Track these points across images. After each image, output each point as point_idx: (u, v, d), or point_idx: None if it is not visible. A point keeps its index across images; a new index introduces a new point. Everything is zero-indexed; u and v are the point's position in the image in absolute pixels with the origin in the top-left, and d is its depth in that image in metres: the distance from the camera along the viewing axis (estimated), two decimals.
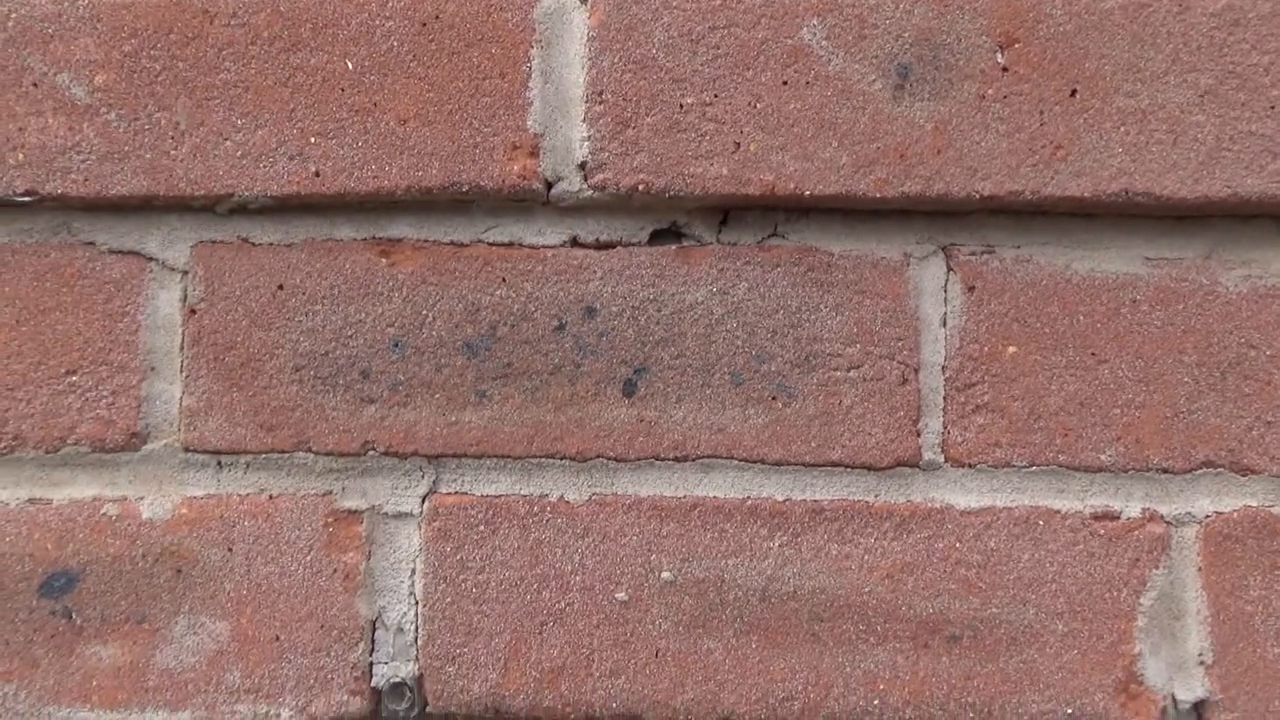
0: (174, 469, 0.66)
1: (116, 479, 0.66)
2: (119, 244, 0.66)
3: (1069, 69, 0.63)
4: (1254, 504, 0.63)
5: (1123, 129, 0.63)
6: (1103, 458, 0.64)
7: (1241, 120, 0.62)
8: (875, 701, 0.63)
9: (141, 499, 0.65)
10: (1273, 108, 0.62)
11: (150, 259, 0.66)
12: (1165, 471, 0.64)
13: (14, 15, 0.66)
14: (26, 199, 0.65)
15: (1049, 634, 0.63)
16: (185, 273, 0.66)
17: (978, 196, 0.63)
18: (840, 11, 0.64)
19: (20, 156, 0.65)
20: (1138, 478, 0.64)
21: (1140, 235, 0.65)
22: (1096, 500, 0.64)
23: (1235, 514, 0.63)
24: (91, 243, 0.66)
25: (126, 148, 0.65)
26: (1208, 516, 0.63)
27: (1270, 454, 0.63)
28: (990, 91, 0.63)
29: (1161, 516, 0.64)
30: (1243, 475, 0.63)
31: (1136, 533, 0.63)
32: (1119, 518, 0.64)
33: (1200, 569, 0.63)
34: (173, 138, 0.65)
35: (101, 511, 0.65)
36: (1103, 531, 0.64)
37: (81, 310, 0.66)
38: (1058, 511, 0.64)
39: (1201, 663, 0.63)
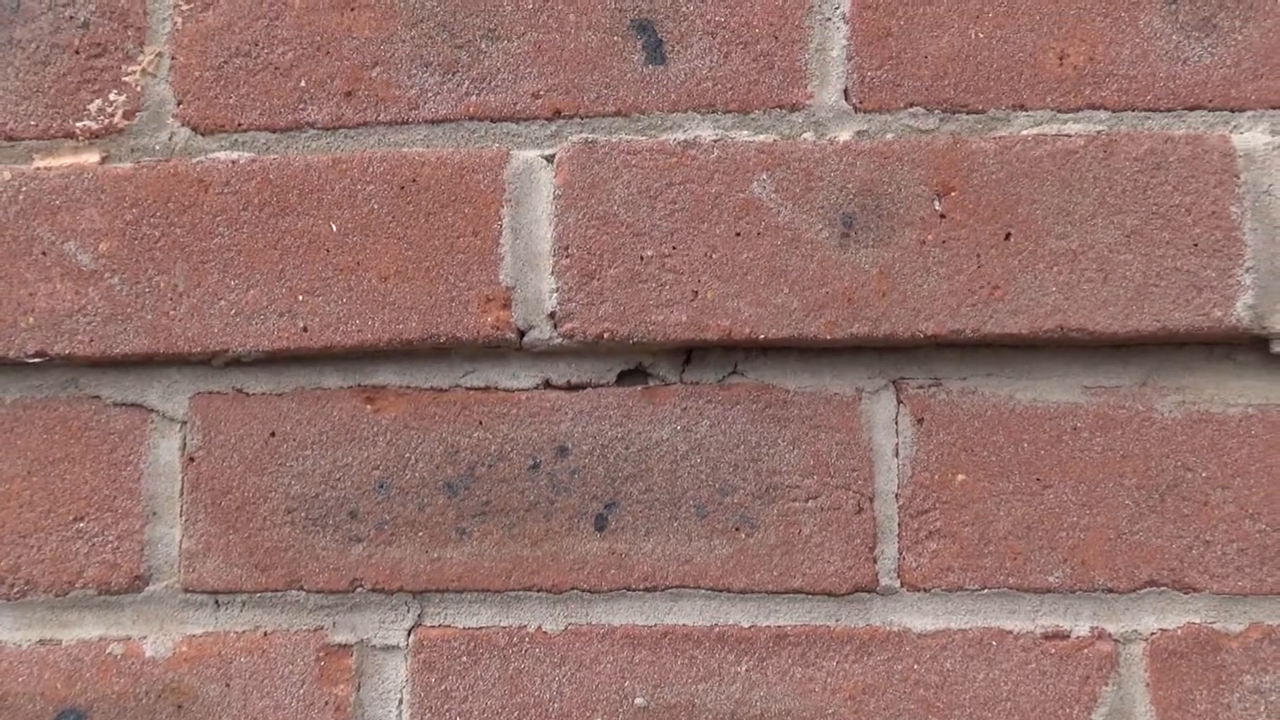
0: (175, 609, 0.70)
1: (121, 619, 0.70)
2: (122, 397, 0.71)
3: (1003, 214, 0.67)
4: (1197, 620, 0.67)
5: (1055, 269, 0.67)
6: (1051, 579, 0.67)
7: (1167, 258, 0.67)
8: None
9: (145, 638, 0.70)
10: (1195, 245, 0.66)
11: (151, 410, 0.71)
12: (1111, 591, 0.67)
13: (24, 189, 0.71)
14: (36, 359, 0.70)
15: None
16: (184, 423, 0.71)
17: (922, 336, 0.67)
18: (788, 166, 0.68)
19: (30, 320, 0.70)
20: (1085, 597, 0.67)
21: (1079, 365, 0.69)
22: (1047, 620, 0.67)
23: (1179, 631, 0.66)
24: (97, 396, 0.71)
25: (129, 309, 0.70)
26: (1153, 634, 0.67)
27: (1210, 572, 0.67)
28: (930, 237, 0.68)
29: (1109, 635, 0.67)
30: (1185, 593, 0.67)
31: (1086, 651, 0.67)
32: (1069, 637, 0.67)
33: (1148, 684, 0.66)
34: (171, 299, 0.70)
35: (107, 651, 0.69)
36: (1054, 650, 0.67)
37: (88, 460, 0.71)
38: (1010, 632, 0.67)
39: None
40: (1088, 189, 0.67)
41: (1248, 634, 0.66)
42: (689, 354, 0.70)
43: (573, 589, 0.69)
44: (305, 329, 0.69)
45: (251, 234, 0.70)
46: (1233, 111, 0.69)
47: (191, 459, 0.70)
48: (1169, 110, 0.69)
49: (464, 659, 0.68)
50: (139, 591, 0.70)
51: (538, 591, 0.69)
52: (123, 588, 0.70)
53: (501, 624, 0.69)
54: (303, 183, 0.70)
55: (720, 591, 0.68)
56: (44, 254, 0.71)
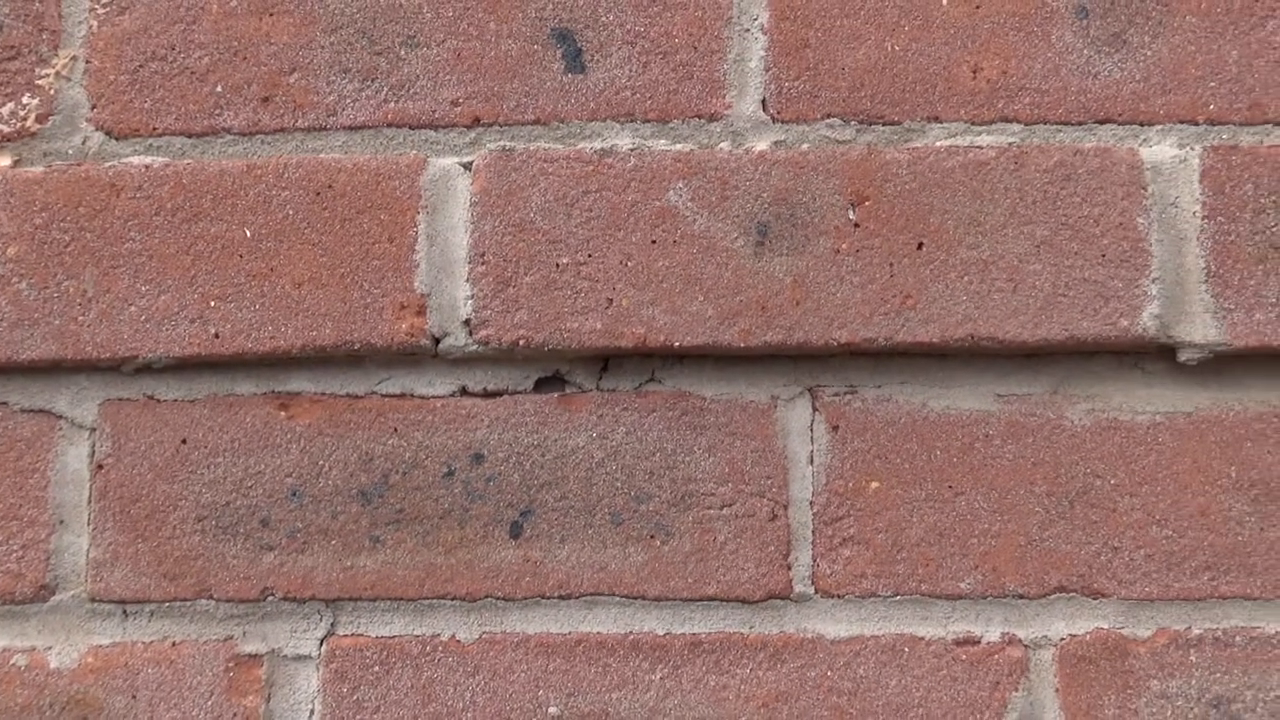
0: (81, 619, 0.69)
1: (26, 629, 0.69)
2: (30, 403, 0.70)
3: (915, 224, 0.68)
4: (1105, 625, 0.67)
5: (966, 278, 0.68)
6: (962, 585, 0.68)
7: (1075, 268, 0.68)
8: None
9: (50, 649, 0.68)
10: (1104, 255, 0.68)
11: (60, 417, 0.70)
12: (1021, 597, 0.68)
13: None
14: None
15: None
16: (93, 430, 0.70)
17: (835, 344, 0.67)
18: (704, 175, 0.69)
19: None
20: (996, 603, 0.68)
21: (991, 373, 0.70)
22: (958, 626, 0.68)
23: (1088, 636, 0.67)
24: (4, 403, 0.70)
25: (36, 315, 0.69)
26: (1063, 639, 0.67)
27: (1118, 578, 0.67)
28: (844, 246, 0.68)
29: (1020, 640, 0.67)
30: (1094, 598, 0.67)
31: (996, 656, 0.67)
32: (979, 642, 0.67)
33: (1058, 690, 0.67)
34: (80, 304, 0.69)
35: (11, 662, 0.68)
36: (964, 656, 0.67)
37: None
38: (922, 638, 0.67)
39: None
40: (999, 200, 0.68)
41: (1155, 639, 0.67)
42: (606, 361, 0.70)
43: (487, 597, 0.68)
44: (217, 335, 0.69)
45: (164, 239, 0.69)
46: (1142, 125, 0.70)
47: (100, 466, 0.69)
48: (1079, 124, 0.70)
49: (377, 668, 0.68)
50: (44, 601, 0.69)
51: (452, 600, 0.68)
52: (27, 597, 0.68)
53: (415, 633, 0.68)
54: (217, 188, 0.70)
55: (635, 599, 0.68)
56: None
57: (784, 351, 0.68)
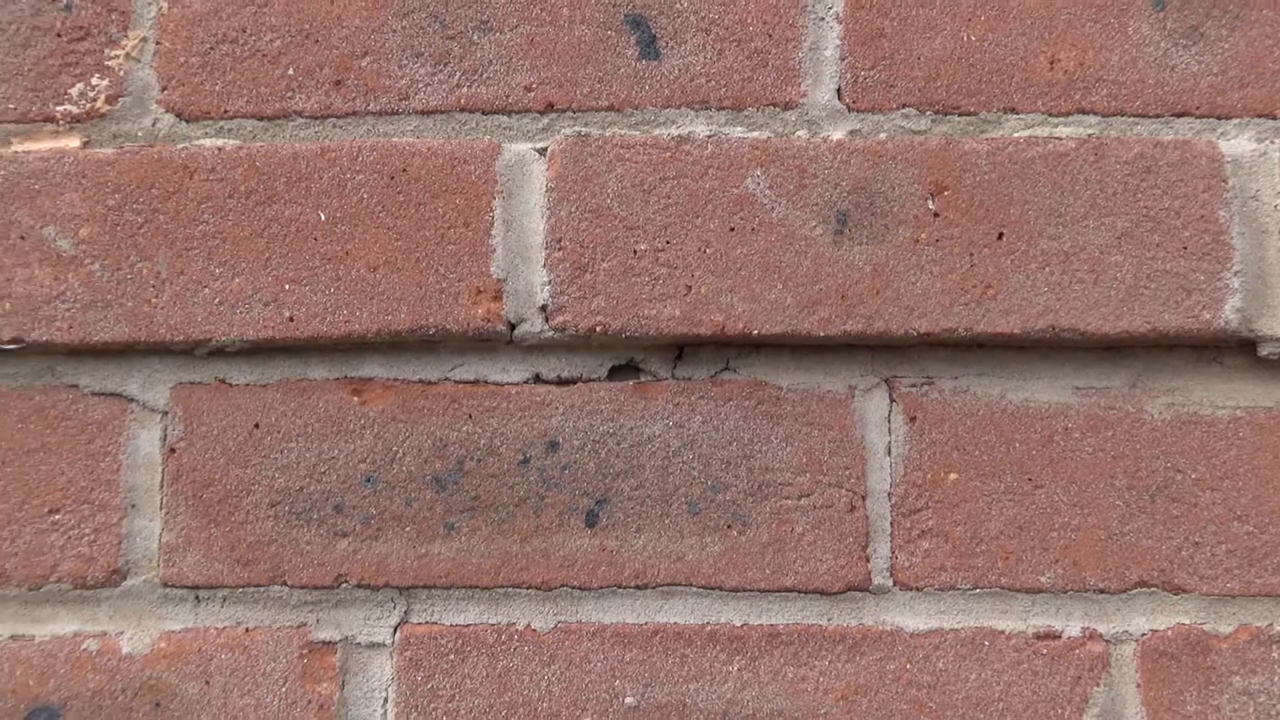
0: (153, 604, 0.68)
1: (97, 615, 0.68)
2: (101, 386, 0.69)
3: (995, 214, 0.68)
4: (1186, 621, 0.67)
5: (1047, 269, 0.67)
6: (1042, 579, 0.67)
7: (1157, 260, 0.67)
8: None
9: (121, 634, 0.68)
10: (1185, 248, 0.67)
11: (131, 400, 0.69)
12: (1102, 592, 0.67)
13: (2, 172, 0.69)
14: (12, 346, 0.68)
15: None
16: (165, 413, 0.69)
17: (915, 334, 0.67)
18: (782, 163, 0.68)
19: (7, 305, 0.68)
20: (1076, 598, 0.67)
21: (1070, 366, 0.69)
22: (1038, 620, 0.67)
23: (1169, 632, 0.67)
24: (75, 385, 0.69)
25: (109, 296, 0.68)
26: (1144, 635, 0.67)
27: (1200, 573, 0.67)
28: (923, 235, 0.68)
29: (1100, 635, 0.67)
30: (1175, 594, 0.67)
31: (1077, 651, 0.67)
32: (1060, 637, 0.67)
33: (1139, 685, 0.66)
34: (154, 286, 0.68)
35: (82, 647, 0.67)
36: (1045, 651, 0.67)
37: (65, 451, 0.69)
38: (1002, 632, 0.67)
39: None
40: (1079, 191, 0.68)
41: (1237, 635, 0.66)
42: (681, 350, 0.70)
43: (562, 586, 0.68)
44: (291, 319, 0.68)
45: (237, 221, 0.69)
46: (1219, 119, 0.69)
47: (172, 450, 0.69)
48: (1157, 116, 0.70)
49: (451, 657, 0.67)
50: (116, 586, 0.68)
51: (527, 588, 0.68)
52: (99, 582, 0.68)
53: (489, 621, 0.68)
54: (290, 171, 0.69)
55: (712, 590, 0.67)
56: (22, 239, 0.69)
57: (863, 341, 0.68)
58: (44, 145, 0.71)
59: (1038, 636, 0.67)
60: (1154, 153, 0.68)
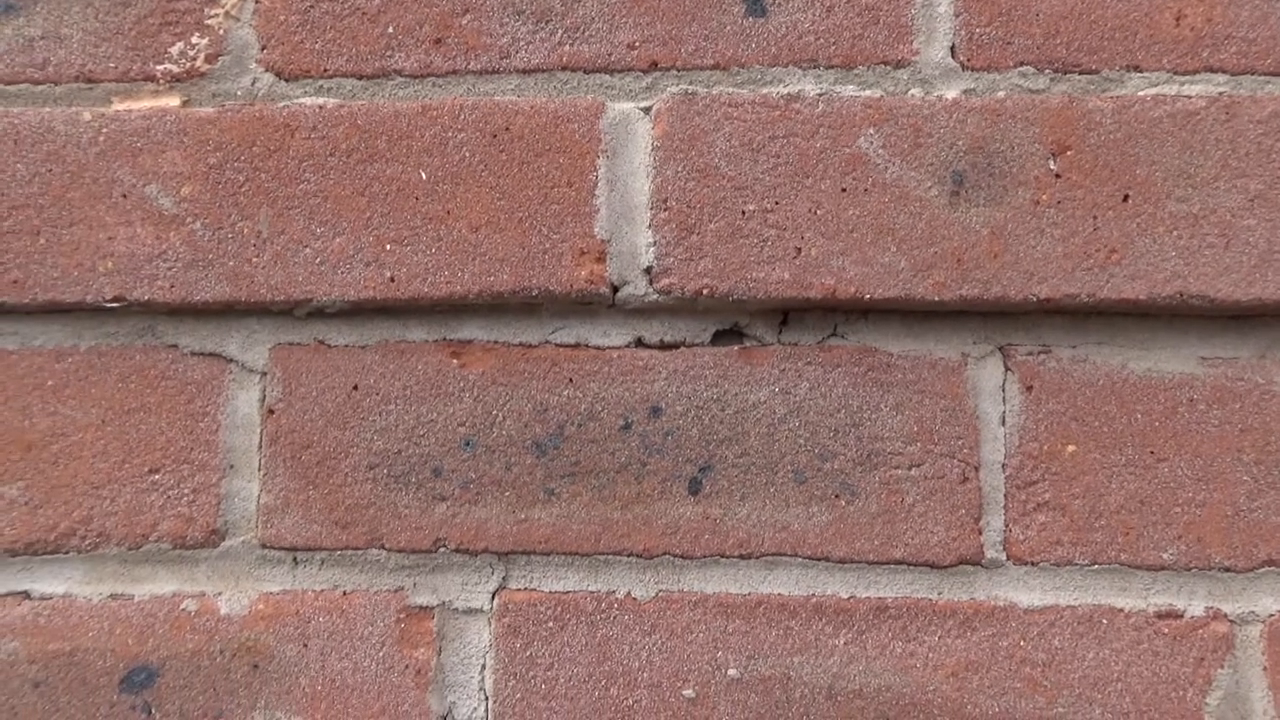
0: (251, 565, 0.68)
1: (196, 575, 0.68)
2: (201, 347, 0.69)
3: (1120, 175, 0.65)
4: None
5: (1175, 233, 0.64)
6: (1164, 556, 0.64)
7: None
8: None
9: (219, 595, 0.67)
10: None
11: (230, 361, 0.69)
12: (1227, 570, 0.64)
13: (105, 130, 0.69)
14: (114, 305, 0.68)
15: None
16: (264, 374, 0.69)
17: (1035, 300, 0.64)
18: (896, 121, 0.66)
19: (109, 264, 0.68)
20: (1200, 576, 0.64)
21: (1194, 335, 0.66)
22: (1159, 599, 0.65)
23: None
24: (174, 345, 0.69)
25: (211, 255, 0.68)
26: (1271, 615, 0.64)
27: None
28: (1044, 197, 0.65)
29: (1225, 615, 0.64)
30: None
31: (1200, 632, 0.64)
32: (1182, 616, 0.64)
33: (1265, 668, 0.63)
34: (254, 245, 0.68)
35: (181, 607, 0.67)
36: (1166, 630, 0.64)
37: (164, 411, 0.68)
38: (1121, 610, 0.64)
39: None
40: (1209, 151, 0.65)
41: None
42: (786, 315, 0.68)
43: (664, 554, 0.66)
44: (392, 279, 0.67)
45: (338, 180, 0.68)
46: None
47: (271, 411, 0.68)
48: None
49: (550, 624, 0.66)
50: (214, 547, 0.68)
51: (628, 556, 0.66)
52: (198, 542, 0.68)
53: (589, 589, 0.66)
54: (392, 129, 0.68)
55: (818, 560, 0.66)
56: (124, 197, 0.68)
57: (979, 306, 0.65)
58: (144, 104, 0.70)
59: (1159, 615, 0.64)
60: None
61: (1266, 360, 0.65)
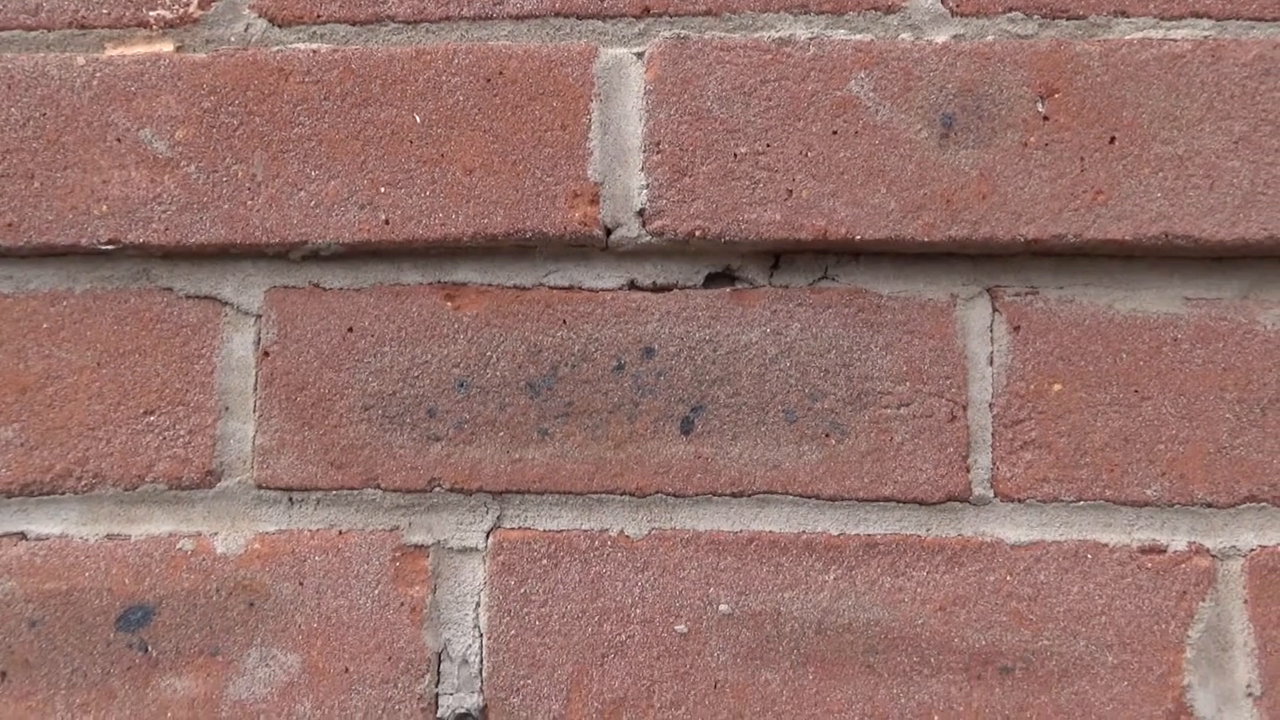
0: (247, 505, 0.68)
1: (191, 515, 0.68)
2: (196, 289, 0.69)
3: (1107, 117, 0.66)
4: None
5: (1161, 174, 0.65)
6: (1148, 492, 0.66)
7: (1276, 165, 0.65)
8: None
9: (215, 535, 0.68)
10: None
11: (225, 304, 0.69)
12: (1210, 506, 0.65)
13: (99, 74, 0.69)
14: (109, 247, 0.68)
15: (1100, 666, 0.65)
16: (259, 316, 0.69)
17: (1022, 240, 0.65)
18: (886, 65, 0.67)
19: (104, 207, 0.68)
20: (1183, 512, 0.66)
21: (1179, 276, 0.67)
22: (1143, 534, 0.66)
23: (1279, 547, 0.65)
24: (169, 288, 0.69)
25: (205, 199, 0.68)
26: (1252, 550, 0.65)
27: None
28: (1032, 139, 0.66)
29: (1207, 550, 0.65)
30: None
31: (1183, 566, 0.65)
32: (1165, 551, 0.65)
33: (1246, 601, 0.65)
34: (249, 189, 0.68)
35: (177, 547, 0.68)
36: (1150, 565, 0.65)
37: (159, 353, 0.69)
38: (1105, 545, 0.65)
39: (1250, 694, 0.64)
40: (1195, 94, 0.66)
41: None
42: (778, 258, 0.69)
43: (657, 493, 0.67)
44: (387, 221, 0.68)
45: (333, 124, 0.68)
46: None
47: (266, 353, 0.69)
48: (1274, 20, 0.67)
49: (544, 562, 0.67)
50: (210, 487, 0.68)
51: (621, 494, 0.67)
52: (194, 483, 0.68)
53: (583, 527, 0.67)
54: (386, 73, 0.69)
55: (809, 498, 0.66)
56: (118, 140, 0.69)
57: (969, 248, 0.66)
58: (137, 50, 0.70)
59: (1142, 550, 0.65)
60: (1273, 54, 0.65)
61: (1249, 300, 0.67)
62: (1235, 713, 0.64)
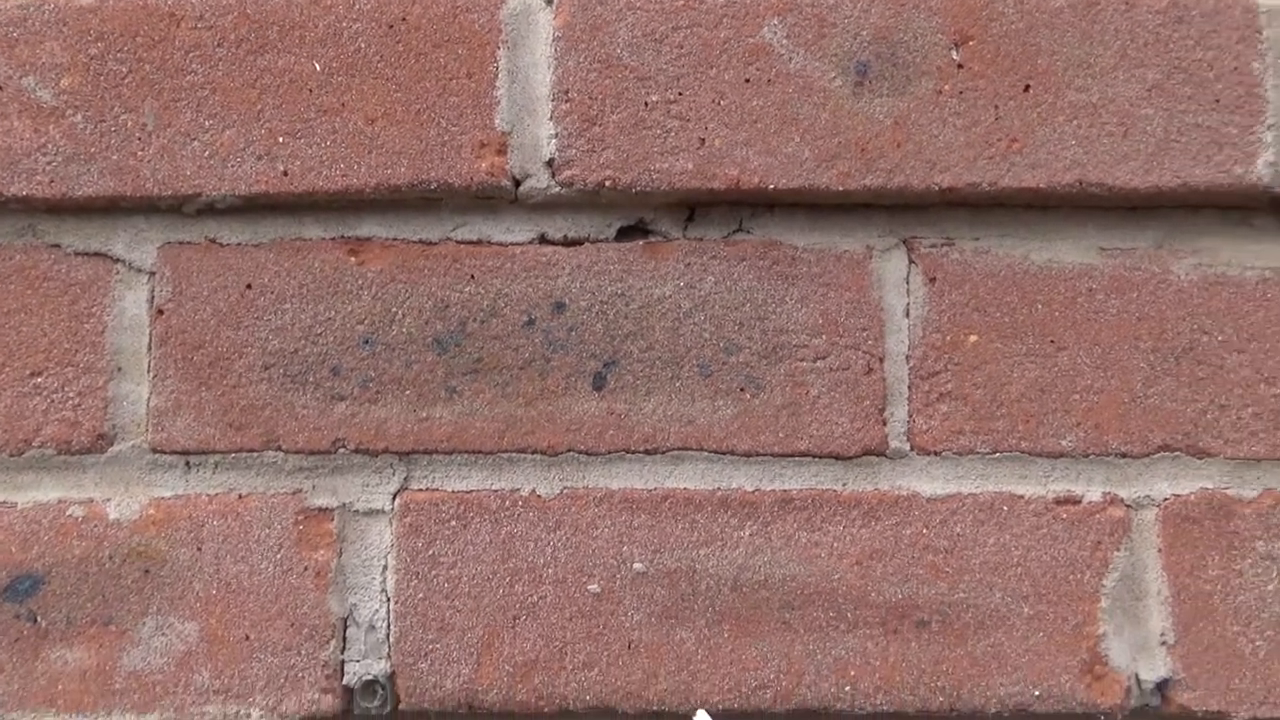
0: (141, 470, 0.66)
1: (83, 481, 0.66)
2: (84, 246, 0.66)
3: (1022, 65, 0.65)
4: (1210, 486, 0.65)
5: (1075, 122, 0.65)
6: (1063, 443, 0.65)
7: (1188, 113, 0.65)
8: (847, 688, 0.64)
9: (108, 500, 0.65)
10: (1217, 101, 0.65)
11: (116, 260, 0.66)
12: (1124, 456, 0.65)
13: None
14: None
15: (1015, 617, 0.64)
16: (152, 274, 0.66)
17: (937, 189, 0.64)
18: (799, 11, 0.65)
19: None
20: (1098, 462, 0.65)
21: (1094, 226, 0.67)
22: (1058, 485, 0.65)
23: (1192, 496, 0.65)
24: (57, 245, 0.66)
25: (93, 149, 0.65)
26: (1166, 499, 0.65)
27: (1224, 437, 0.65)
28: (947, 87, 0.65)
29: (1122, 500, 0.65)
30: (1199, 458, 0.65)
31: (1098, 516, 0.65)
32: (1080, 502, 0.65)
33: (1160, 550, 0.64)
34: (139, 139, 0.65)
35: (67, 513, 0.65)
36: (1065, 515, 0.65)
37: (47, 312, 0.66)
38: (1021, 497, 0.65)
39: (1164, 642, 0.64)
40: (1109, 41, 0.65)
41: (1261, 500, 0.65)
42: (691, 211, 0.67)
43: (569, 451, 0.65)
44: (286, 172, 0.65)
45: (227, 72, 0.65)
46: None
47: (160, 312, 0.66)
48: None
49: (453, 523, 0.65)
50: (102, 452, 0.65)
51: (532, 453, 0.65)
52: (84, 447, 0.65)
53: (493, 487, 0.65)
54: (283, 19, 0.66)
55: (724, 454, 0.65)
56: (0, 89, 0.65)
57: (883, 197, 0.65)
58: None
59: (1057, 501, 0.65)
60: (1187, 2, 0.65)
61: (1163, 250, 0.66)
62: (1149, 660, 0.64)
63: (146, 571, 0.64)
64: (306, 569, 0.64)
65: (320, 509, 0.65)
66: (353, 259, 0.66)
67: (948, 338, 0.66)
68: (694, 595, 0.64)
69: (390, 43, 0.66)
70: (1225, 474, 0.65)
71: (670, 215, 0.67)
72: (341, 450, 0.65)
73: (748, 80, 0.65)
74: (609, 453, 0.65)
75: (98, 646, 0.64)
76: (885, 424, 0.65)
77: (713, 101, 0.65)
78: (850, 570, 0.64)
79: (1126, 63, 0.65)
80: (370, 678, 0.64)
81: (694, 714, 0.63)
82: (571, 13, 0.65)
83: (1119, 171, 0.64)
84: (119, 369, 0.66)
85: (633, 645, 0.64)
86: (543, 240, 0.67)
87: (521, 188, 0.65)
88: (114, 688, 0.64)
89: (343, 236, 0.66)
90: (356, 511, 0.65)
